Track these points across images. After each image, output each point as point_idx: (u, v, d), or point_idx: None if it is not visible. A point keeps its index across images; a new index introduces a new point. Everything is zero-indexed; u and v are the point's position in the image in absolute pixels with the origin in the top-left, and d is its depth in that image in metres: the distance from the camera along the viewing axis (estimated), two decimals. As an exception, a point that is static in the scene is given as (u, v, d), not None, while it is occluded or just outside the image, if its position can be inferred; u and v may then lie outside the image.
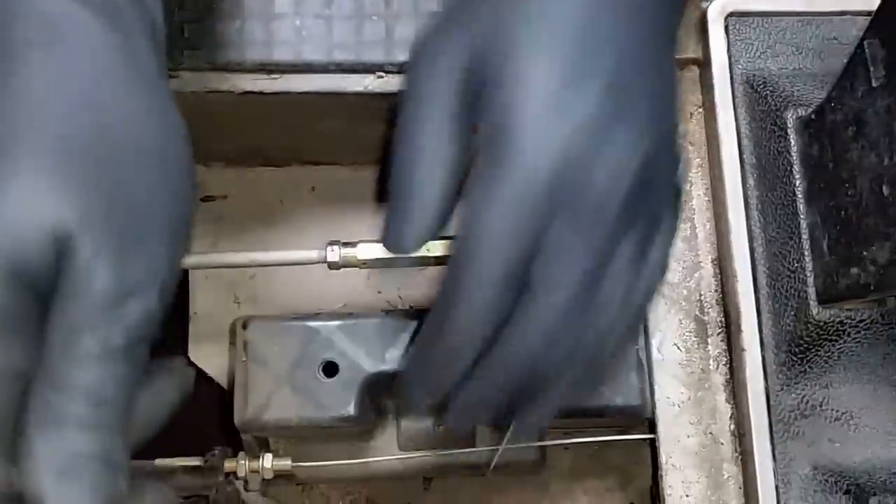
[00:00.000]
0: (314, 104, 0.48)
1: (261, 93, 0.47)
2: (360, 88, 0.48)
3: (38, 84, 0.28)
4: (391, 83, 0.48)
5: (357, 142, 0.49)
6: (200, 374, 0.57)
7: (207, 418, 0.58)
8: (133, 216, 0.29)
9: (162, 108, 0.32)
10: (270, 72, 0.47)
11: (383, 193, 0.37)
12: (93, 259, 0.28)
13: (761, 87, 0.52)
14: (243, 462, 0.49)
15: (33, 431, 0.27)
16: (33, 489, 0.27)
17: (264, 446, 0.53)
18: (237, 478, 0.50)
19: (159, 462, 0.49)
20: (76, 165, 0.28)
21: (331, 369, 0.49)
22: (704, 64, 0.53)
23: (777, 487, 0.48)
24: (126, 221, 0.29)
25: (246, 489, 0.53)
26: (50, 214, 0.27)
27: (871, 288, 0.44)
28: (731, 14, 0.52)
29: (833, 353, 0.49)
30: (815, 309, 0.48)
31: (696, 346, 0.51)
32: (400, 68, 0.48)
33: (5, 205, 0.27)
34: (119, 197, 0.29)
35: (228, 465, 0.49)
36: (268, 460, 0.49)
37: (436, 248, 0.49)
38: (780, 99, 0.51)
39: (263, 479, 0.50)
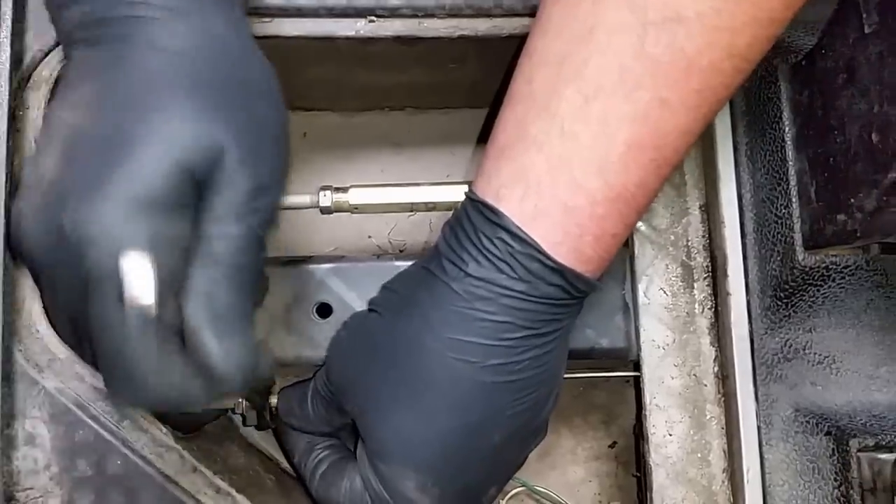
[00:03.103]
0: (305, 48, 0.48)
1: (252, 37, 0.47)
2: (350, 33, 0.48)
3: (175, 39, 0.38)
4: (383, 27, 0.48)
5: (348, 88, 0.49)
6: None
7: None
8: (260, 133, 0.39)
9: (258, 50, 0.41)
10: (261, 16, 0.47)
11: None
12: (238, 164, 0.37)
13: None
14: (241, 398, 0.51)
15: (193, 288, 0.37)
16: (191, 325, 0.37)
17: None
18: (234, 412, 0.51)
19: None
20: (220, 97, 0.38)
21: (324, 310, 0.50)
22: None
23: (759, 428, 0.49)
24: (257, 137, 0.39)
25: (244, 424, 0.54)
26: (208, 132, 0.37)
27: (857, 234, 0.45)
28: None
29: (817, 297, 0.50)
30: (800, 254, 0.49)
31: (682, 290, 0.52)
32: (392, 12, 0.48)
33: (174, 121, 0.36)
34: (250, 119, 0.39)
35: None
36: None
37: (427, 195, 0.50)
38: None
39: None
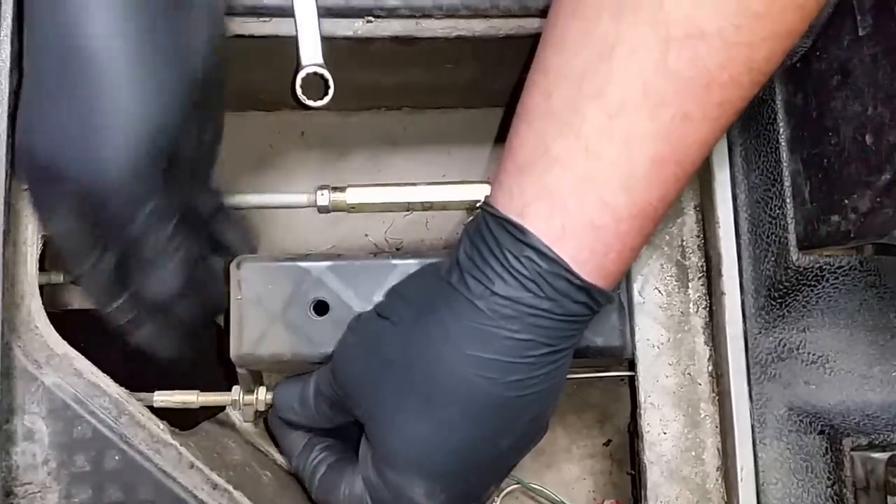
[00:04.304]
0: (304, 48, 0.49)
1: (251, 36, 0.47)
2: (349, 33, 0.48)
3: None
4: (380, 28, 0.48)
5: (345, 87, 0.50)
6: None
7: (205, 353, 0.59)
8: None
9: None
10: (260, 15, 0.47)
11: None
12: None
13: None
14: (238, 395, 0.51)
15: None
16: None
17: (258, 380, 0.54)
18: (232, 409, 0.51)
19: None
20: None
21: (321, 308, 0.50)
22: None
23: (753, 427, 0.50)
24: None
25: (241, 420, 0.55)
26: None
27: (851, 235, 0.45)
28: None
29: (811, 298, 0.51)
30: (794, 255, 0.49)
31: (676, 289, 0.52)
32: (390, 13, 0.48)
33: None
34: None
35: (223, 397, 0.51)
36: (261, 393, 0.51)
37: (424, 194, 0.51)
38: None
39: (257, 411, 0.52)
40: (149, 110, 0.40)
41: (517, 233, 0.40)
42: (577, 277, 0.40)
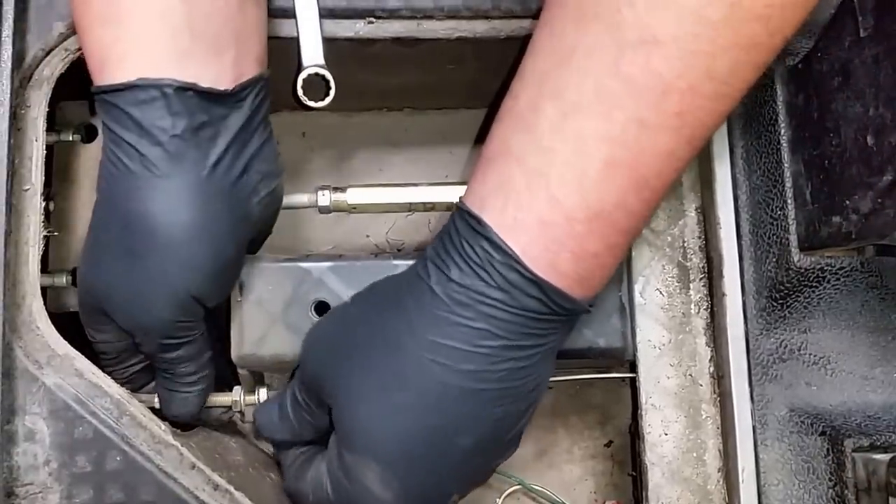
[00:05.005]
0: (305, 49, 0.49)
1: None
2: (350, 34, 0.49)
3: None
4: (382, 28, 0.49)
5: (347, 88, 0.50)
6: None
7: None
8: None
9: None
10: (262, 16, 0.47)
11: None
12: None
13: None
14: (239, 395, 0.51)
15: None
16: None
17: (259, 381, 0.55)
18: (233, 410, 0.51)
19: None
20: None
21: (322, 309, 0.50)
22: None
23: (754, 428, 0.50)
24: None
25: (242, 421, 0.55)
26: None
27: (853, 236, 0.45)
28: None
29: (812, 299, 0.51)
30: (796, 256, 0.49)
31: (678, 290, 0.52)
32: (391, 14, 0.48)
33: None
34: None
35: (225, 398, 0.51)
36: (262, 394, 0.51)
37: (425, 195, 0.51)
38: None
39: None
40: (197, 274, 0.44)
41: (474, 223, 0.41)
42: (528, 270, 0.40)
